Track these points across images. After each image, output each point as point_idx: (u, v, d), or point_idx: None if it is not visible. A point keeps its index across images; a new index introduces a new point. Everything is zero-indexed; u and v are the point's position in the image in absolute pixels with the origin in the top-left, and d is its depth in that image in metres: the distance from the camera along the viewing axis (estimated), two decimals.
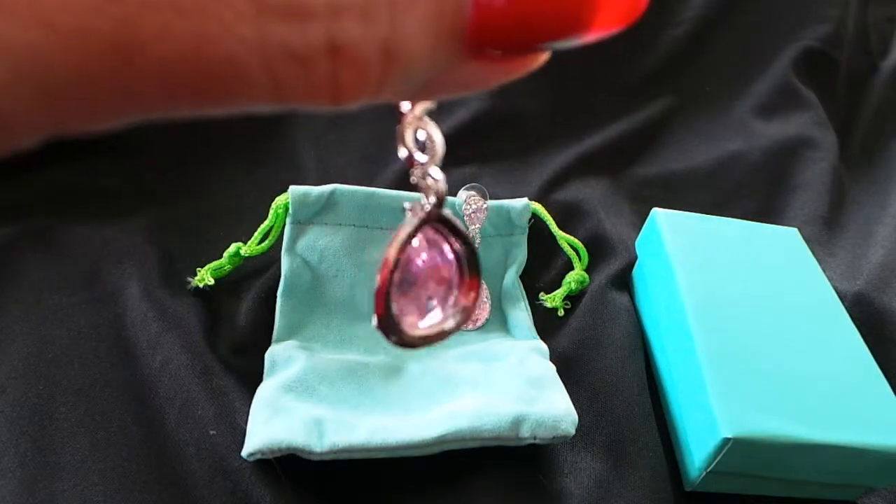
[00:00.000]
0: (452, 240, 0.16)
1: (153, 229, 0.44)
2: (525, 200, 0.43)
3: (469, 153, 0.54)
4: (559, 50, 0.12)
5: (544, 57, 0.12)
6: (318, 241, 0.39)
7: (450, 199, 0.42)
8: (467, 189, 0.42)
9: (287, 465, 0.30)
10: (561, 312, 0.42)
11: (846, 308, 0.39)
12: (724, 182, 0.57)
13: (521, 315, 0.40)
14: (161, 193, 0.48)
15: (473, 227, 0.41)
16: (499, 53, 0.11)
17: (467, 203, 0.41)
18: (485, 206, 0.42)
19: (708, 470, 0.32)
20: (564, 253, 0.45)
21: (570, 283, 0.43)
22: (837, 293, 0.40)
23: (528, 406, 0.32)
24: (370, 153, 0.53)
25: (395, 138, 0.16)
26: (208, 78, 0.10)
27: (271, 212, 0.39)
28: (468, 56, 0.11)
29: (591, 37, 0.11)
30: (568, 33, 0.11)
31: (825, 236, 0.52)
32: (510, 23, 0.11)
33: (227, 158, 0.52)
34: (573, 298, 0.43)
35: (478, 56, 0.11)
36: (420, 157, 0.15)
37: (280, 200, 0.39)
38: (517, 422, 0.31)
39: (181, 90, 0.10)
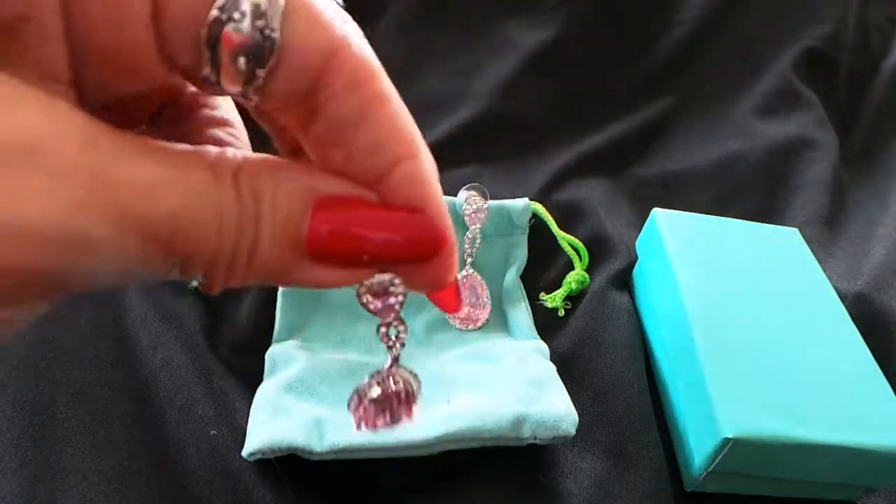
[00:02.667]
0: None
1: None
2: (526, 200, 0.43)
3: (469, 153, 0.54)
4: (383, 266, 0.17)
5: (370, 271, 0.17)
6: None
7: (450, 198, 0.42)
8: (467, 189, 0.42)
9: (287, 465, 0.30)
10: (561, 312, 0.42)
11: (847, 308, 0.39)
12: (724, 182, 0.57)
13: (521, 315, 0.40)
14: None
15: (474, 227, 0.41)
16: (333, 263, 0.16)
17: (468, 203, 0.41)
18: (485, 206, 0.42)
19: (708, 470, 0.32)
20: (565, 253, 0.45)
21: (570, 283, 0.43)
22: (838, 293, 0.40)
23: (529, 406, 0.32)
24: None
25: None
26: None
27: None
28: (308, 261, 0.16)
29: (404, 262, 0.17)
30: (381, 260, 0.16)
31: (825, 236, 0.52)
32: (335, 247, 0.16)
33: None
34: (573, 298, 0.43)
35: (316, 263, 0.16)
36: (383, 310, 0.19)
37: None
38: (518, 422, 0.31)
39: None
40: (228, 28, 0.14)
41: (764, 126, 0.61)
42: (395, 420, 0.20)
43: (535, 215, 0.44)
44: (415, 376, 0.22)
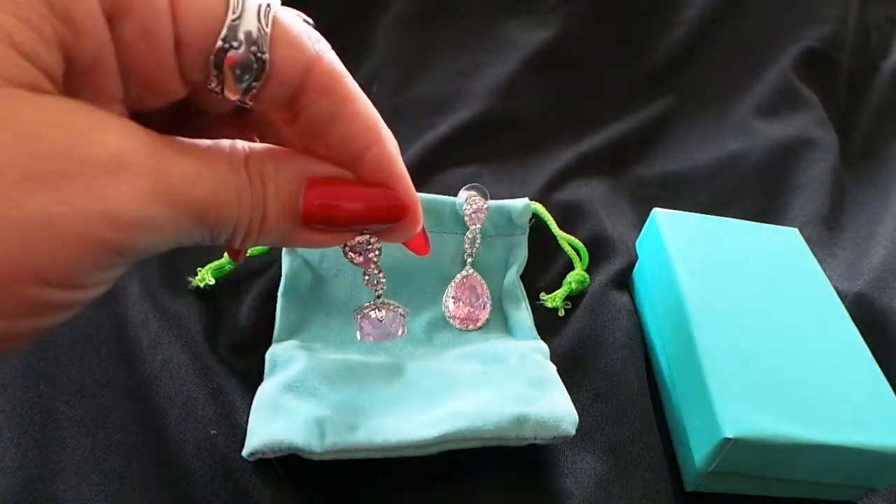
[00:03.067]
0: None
1: None
2: (526, 200, 0.43)
3: (469, 153, 0.54)
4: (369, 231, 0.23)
5: (352, 234, 0.22)
6: None
7: (450, 199, 0.42)
8: (468, 189, 0.42)
9: (287, 465, 0.30)
10: (561, 312, 0.42)
11: (847, 308, 0.39)
12: (725, 182, 0.57)
13: (521, 315, 0.40)
14: None
15: (474, 227, 0.41)
16: (323, 228, 0.21)
17: (468, 203, 0.41)
18: (485, 206, 0.42)
19: (708, 470, 0.32)
20: (565, 253, 0.45)
21: (570, 283, 0.43)
22: (838, 293, 0.40)
23: (529, 406, 0.32)
24: None
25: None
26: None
27: None
28: (305, 227, 0.21)
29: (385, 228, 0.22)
30: (359, 225, 0.22)
31: (826, 236, 0.52)
32: (324, 215, 0.20)
33: None
34: (574, 298, 0.43)
35: (311, 229, 0.21)
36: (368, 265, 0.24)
37: None
38: (518, 422, 0.31)
39: None
40: (230, 53, 0.18)
41: (764, 126, 0.61)
42: (388, 334, 0.29)
43: (535, 215, 0.44)
44: (399, 305, 0.29)
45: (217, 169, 0.18)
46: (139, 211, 0.16)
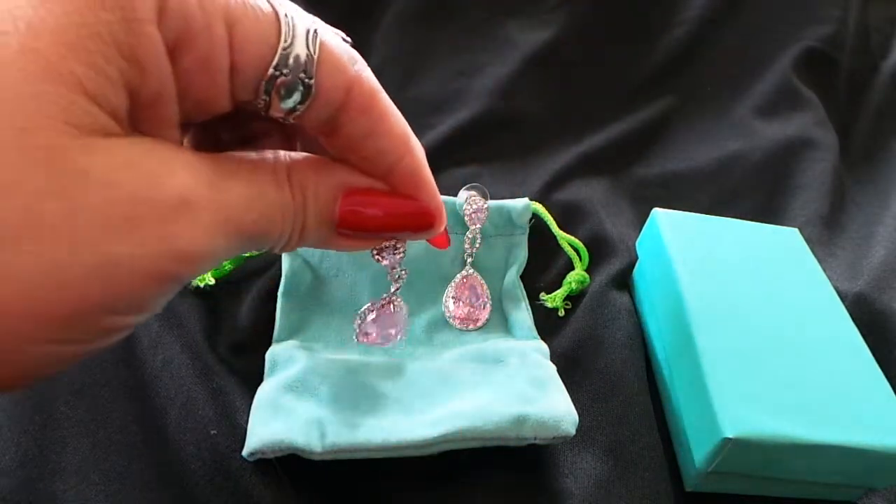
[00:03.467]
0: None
1: None
2: (526, 200, 0.43)
3: (469, 153, 0.54)
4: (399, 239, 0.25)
5: (385, 241, 0.25)
6: None
7: (450, 199, 0.42)
8: (468, 189, 0.42)
9: (287, 465, 0.30)
10: (561, 312, 0.42)
11: (847, 308, 0.39)
12: (725, 182, 0.57)
13: (521, 315, 0.40)
14: None
15: (474, 227, 0.41)
16: (351, 234, 0.22)
17: (468, 203, 0.41)
18: (485, 206, 0.42)
19: (708, 470, 0.32)
20: (565, 253, 0.45)
21: (570, 283, 0.43)
22: (838, 293, 0.40)
23: (529, 406, 0.32)
24: None
25: None
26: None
27: None
28: (339, 233, 0.22)
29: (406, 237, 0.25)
30: (389, 232, 0.23)
31: (826, 236, 0.52)
32: (358, 224, 0.22)
33: None
34: (574, 298, 0.43)
35: (344, 235, 0.22)
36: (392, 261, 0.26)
37: None
38: (518, 422, 0.31)
39: None
40: (280, 80, 0.19)
41: (764, 126, 0.61)
42: (386, 338, 0.30)
43: (535, 215, 0.44)
44: (406, 307, 0.31)
45: (266, 190, 0.20)
46: (202, 245, 0.18)
